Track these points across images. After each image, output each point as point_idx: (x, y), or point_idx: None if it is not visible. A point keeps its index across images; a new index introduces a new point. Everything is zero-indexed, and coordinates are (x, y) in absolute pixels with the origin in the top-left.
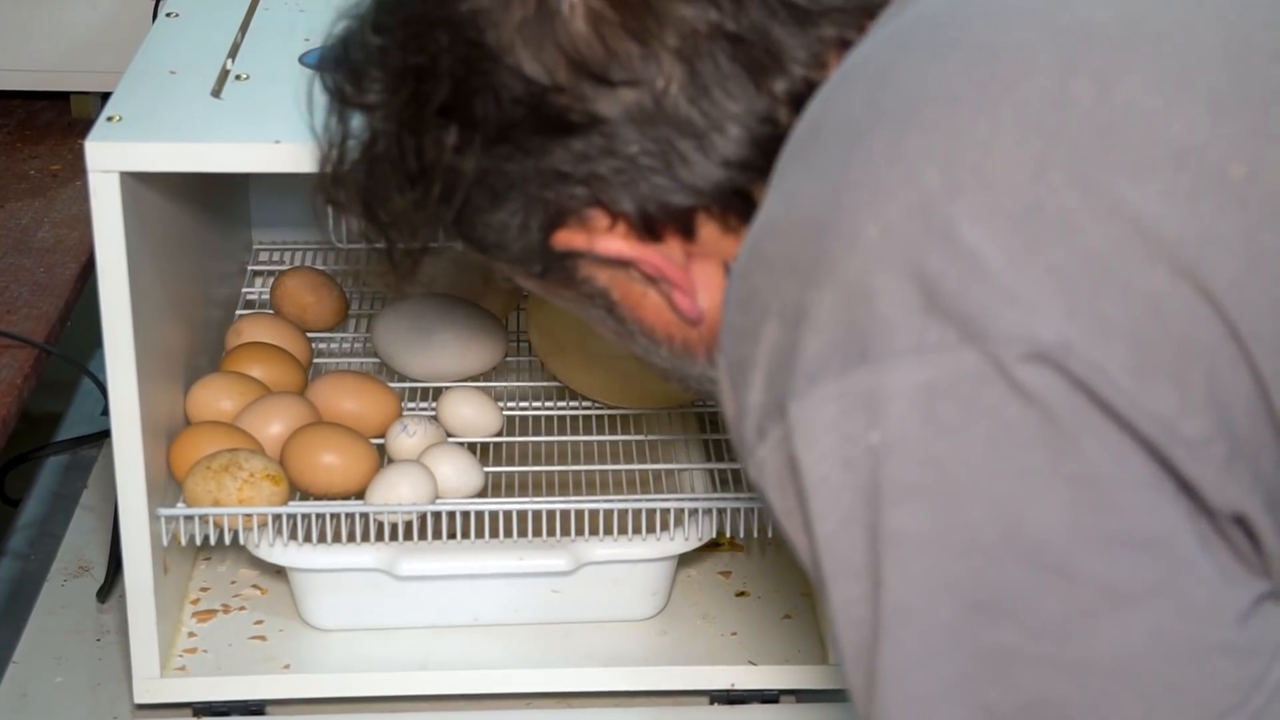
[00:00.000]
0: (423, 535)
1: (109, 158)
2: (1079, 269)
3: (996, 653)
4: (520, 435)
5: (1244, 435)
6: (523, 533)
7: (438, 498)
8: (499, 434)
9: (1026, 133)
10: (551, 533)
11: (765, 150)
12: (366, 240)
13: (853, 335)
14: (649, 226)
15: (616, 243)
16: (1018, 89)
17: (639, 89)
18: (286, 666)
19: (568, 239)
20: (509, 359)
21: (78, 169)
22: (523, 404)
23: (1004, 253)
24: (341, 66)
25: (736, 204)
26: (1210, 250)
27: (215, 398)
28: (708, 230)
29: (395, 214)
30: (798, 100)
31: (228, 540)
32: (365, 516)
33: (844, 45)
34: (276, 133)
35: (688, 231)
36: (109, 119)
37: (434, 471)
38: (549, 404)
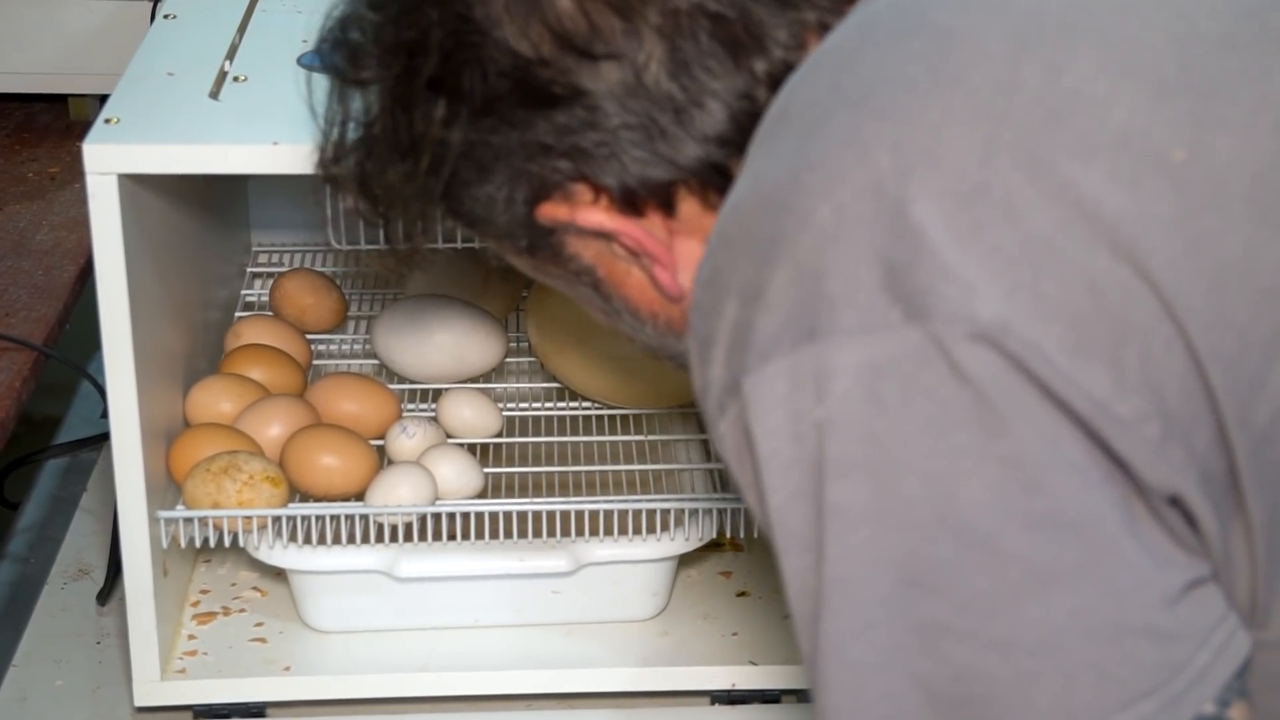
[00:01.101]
0: (423, 536)
1: (107, 160)
2: (1021, 250)
3: (929, 626)
4: (520, 436)
5: (1177, 414)
6: (523, 534)
7: (437, 499)
8: (499, 435)
9: (976, 116)
10: (552, 533)
11: (743, 127)
12: (363, 220)
13: (803, 313)
14: (630, 200)
15: (598, 215)
16: (970, 74)
17: (621, 64)
18: (287, 668)
19: (552, 212)
20: (508, 360)
21: (76, 171)
22: (522, 405)
23: (949, 233)
24: (340, 46)
25: (716, 180)
26: (1149, 232)
27: (214, 400)
28: (688, 206)
29: (388, 188)
30: (776, 80)
31: (227, 542)
32: (365, 518)
33: (824, 29)
34: (274, 134)
35: (668, 206)
36: (107, 121)
37: (434, 473)
38: (549, 405)
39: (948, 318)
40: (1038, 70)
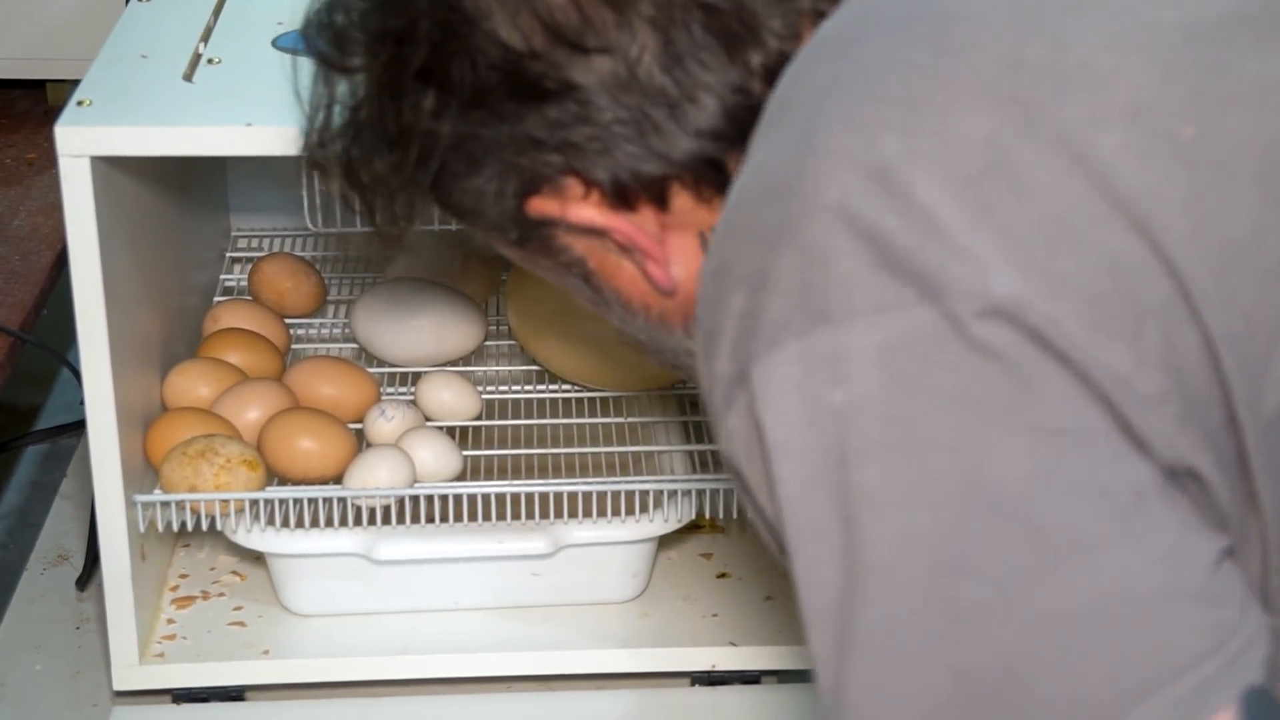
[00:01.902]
0: (401, 519)
1: (79, 142)
2: (1033, 228)
3: (969, 609)
4: (499, 419)
5: (1195, 393)
6: (502, 516)
7: (416, 482)
8: (478, 418)
9: (982, 96)
10: (531, 516)
11: (738, 121)
12: (349, 208)
13: (813, 296)
14: (622, 195)
15: (589, 211)
16: (974, 55)
17: (613, 57)
18: (266, 652)
19: (542, 206)
20: (488, 343)
21: (54, 157)
22: (501, 388)
23: (959, 213)
24: (326, 31)
25: (709, 174)
26: (1161, 208)
27: (192, 384)
28: (681, 200)
29: (375, 177)
30: (771, 72)
31: (205, 526)
32: (343, 501)
33: (818, 16)
34: (248, 116)
35: (661, 201)
36: (79, 103)
37: (412, 456)
38: (528, 387)
39: (961, 295)
40: (1042, 48)
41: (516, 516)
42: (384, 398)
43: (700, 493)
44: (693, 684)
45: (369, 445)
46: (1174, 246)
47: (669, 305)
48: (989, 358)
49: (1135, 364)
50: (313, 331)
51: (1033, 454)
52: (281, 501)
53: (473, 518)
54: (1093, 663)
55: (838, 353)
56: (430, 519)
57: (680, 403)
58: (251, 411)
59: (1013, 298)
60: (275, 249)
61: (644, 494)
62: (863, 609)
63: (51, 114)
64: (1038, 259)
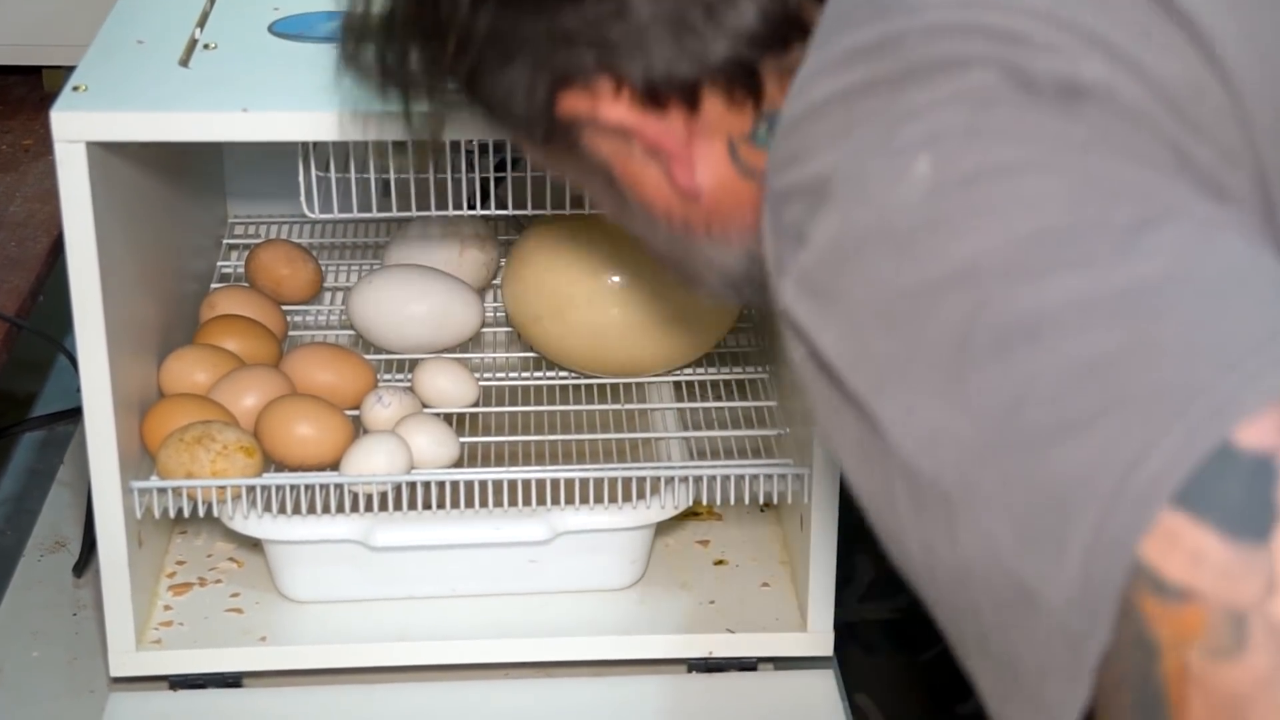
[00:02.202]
0: (398, 506)
1: (75, 127)
2: (1116, 33)
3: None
4: (496, 405)
5: (1260, 218)
6: (499, 503)
7: (413, 468)
8: (475, 404)
9: None
10: (528, 502)
11: (774, 26)
12: (385, 103)
13: (895, 102)
14: (654, 96)
15: (619, 110)
16: None
17: None
18: (263, 638)
19: (573, 103)
20: (485, 330)
21: (49, 143)
22: (499, 374)
23: (1043, 26)
24: None
25: (743, 78)
26: (1221, 36)
27: (189, 370)
28: (712, 104)
29: (411, 74)
30: None
31: (202, 513)
32: (340, 488)
33: None
34: (244, 102)
35: (692, 103)
36: (75, 89)
37: (409, 442)
38: (525, 374)
39: (1051, 76)
40: None
41: (514, 503)
42: (381, 384)
43: (697, 479)
44: (689, 671)
45: (366, 432)
46: (1233, 73)
47: (693, 212)
48: (1080, 118)
49: (1220, 162)
50: (309, 318)
51: (1147, 158)
52: (278, 488)
53: (470, 504)
54: (1237, 303)
55: (927, 134)
56: (427, 505)
57: (677, 389)
58: (248, 398)
59: (1102, 81)
60: (272, 236)
61: (641, 480)
62: (1002, 306)
63: (47, 100)
64: (1124, 54)
